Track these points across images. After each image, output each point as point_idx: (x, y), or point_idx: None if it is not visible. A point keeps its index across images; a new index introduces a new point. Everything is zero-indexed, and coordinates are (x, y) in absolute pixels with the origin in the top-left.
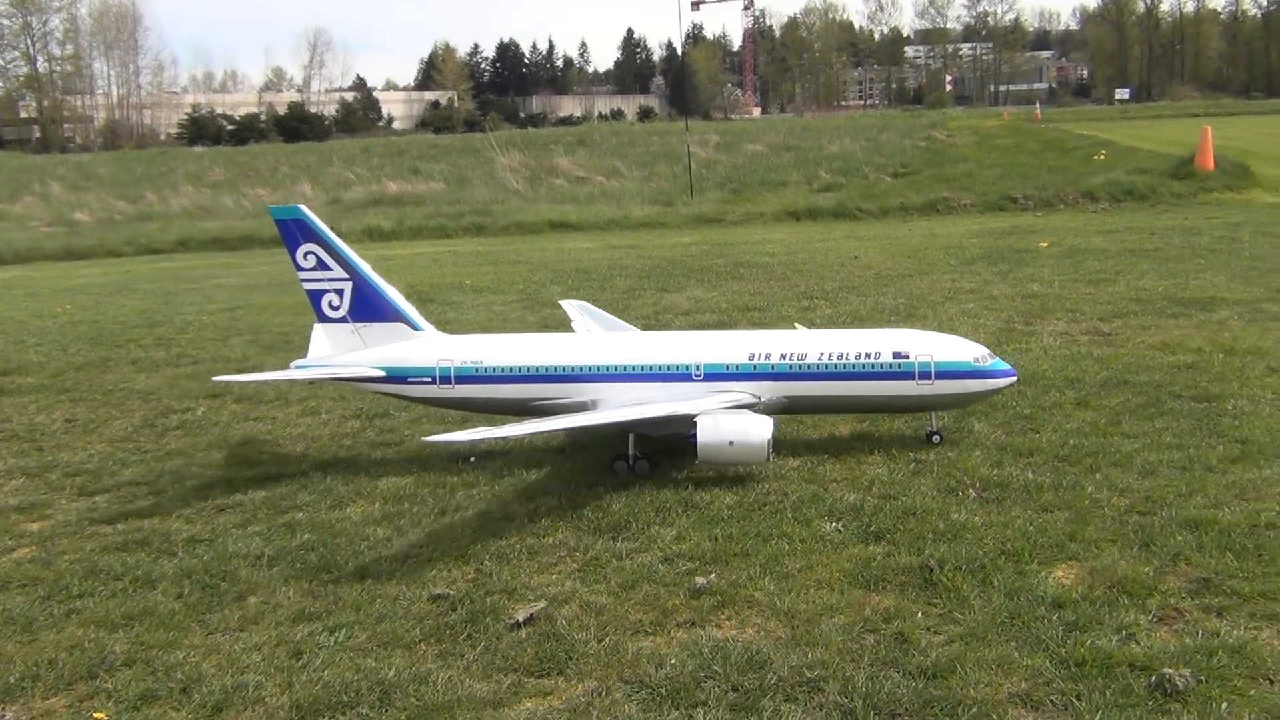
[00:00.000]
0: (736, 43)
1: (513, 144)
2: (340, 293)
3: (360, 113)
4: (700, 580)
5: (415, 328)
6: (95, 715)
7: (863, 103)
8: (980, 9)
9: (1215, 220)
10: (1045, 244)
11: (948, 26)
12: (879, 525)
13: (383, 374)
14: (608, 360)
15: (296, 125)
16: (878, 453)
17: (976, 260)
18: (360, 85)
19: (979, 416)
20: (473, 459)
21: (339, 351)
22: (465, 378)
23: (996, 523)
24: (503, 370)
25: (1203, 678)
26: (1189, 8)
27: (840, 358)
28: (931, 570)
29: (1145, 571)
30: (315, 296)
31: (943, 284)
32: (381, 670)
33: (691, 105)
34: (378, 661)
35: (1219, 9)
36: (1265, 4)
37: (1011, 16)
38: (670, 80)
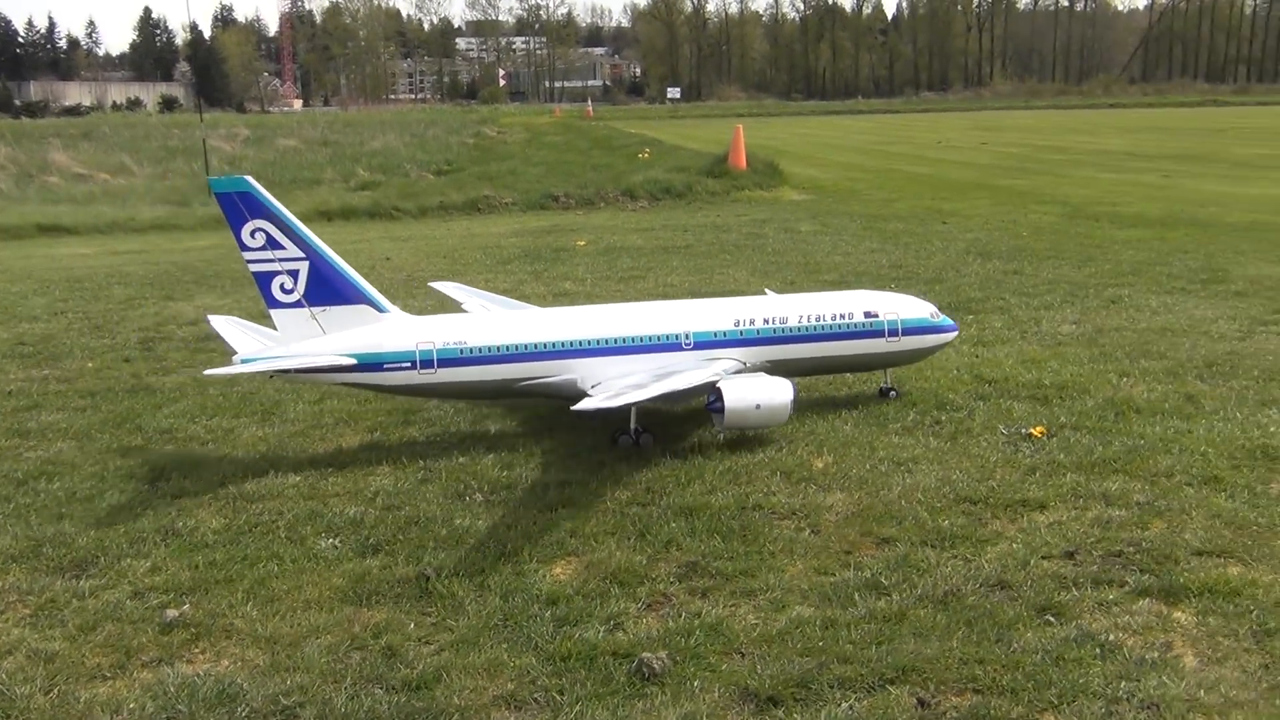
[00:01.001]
0: (273, 27)
1: None
2: (294, 274)
3: None
4: (171, 613)
5: (380, 310)
6: None
7: (414, 96)
8: (532, 2)
9: (745, 217)
10: (583, 242)
11: (500, 19)
12: (379, 537)
13: (354, 362)
14: (597, 334)
15: None
16: (385, 462)
17: (514, 260)
18: None
19: (495, 419)
20: None
21: (292, 339)
22: (448, 360)
23: (501, 525)
24: (489, 350)
25: (679, 658)
26: (734, 9)
27: (818, 320)
28: (428, 579)
29: (639, 560)
30: (264, 279)
31: (476, 285)
32: None
33: (223, 95)
34: None
35: (761, 11)
36: (802, 8)
37: (564, 11)
38: (197, 67)
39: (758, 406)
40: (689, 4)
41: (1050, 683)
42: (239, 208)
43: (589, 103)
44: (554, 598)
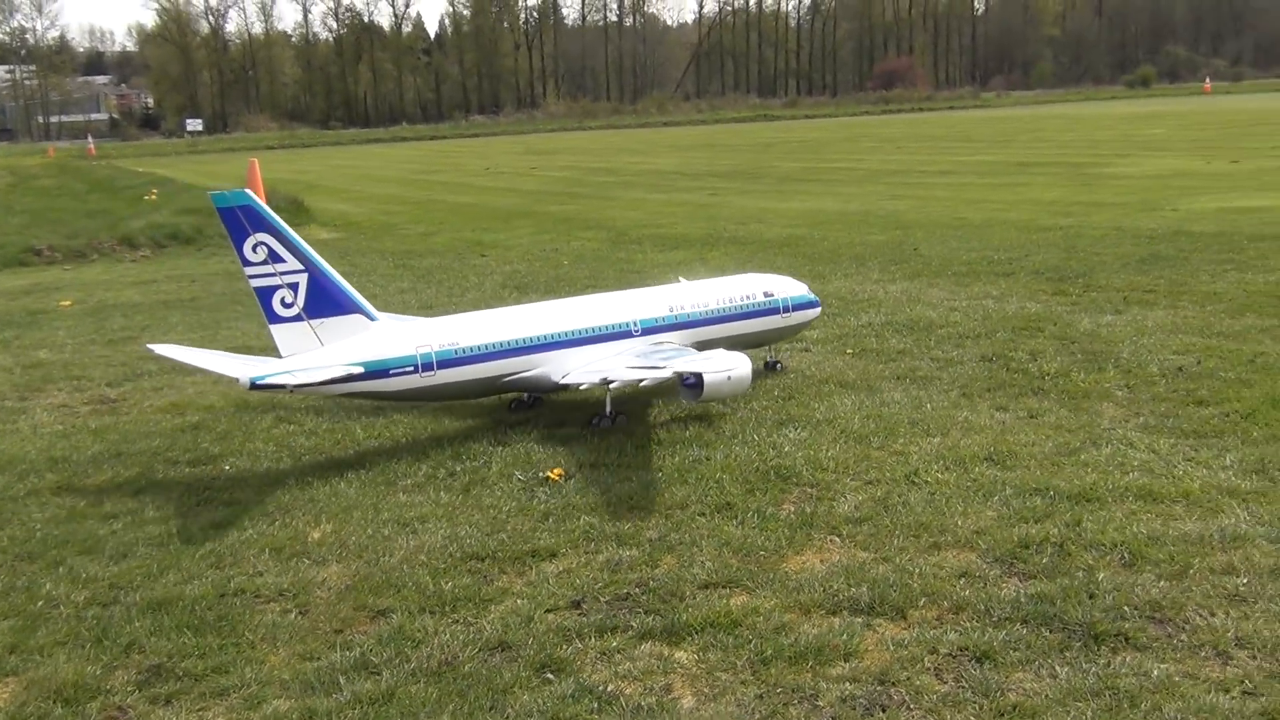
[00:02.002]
0: None
1: None
2: (294, 287)
3: None
4: None
5: (371, 318)
6: None
7: None
8: (15, 24)
9: None
10: (68, 302)
11: None
12: None
13: (362, 370)
14: (567, 327)
15: None
16: None
17: None
18: None
19: None
20: None
21: (292, 354)
22: (446, 362)
23: None
24: (479, 349)
25: None
26: (258, 29)
27: (731, 301)
28: None
29: (92, 671)
30: (265, 294)
31: None
32: None
33: None
34: None
35: (289, 31)
36: (335, 27)
37: (55, 35)
38: None
39: (729, 378)
40: (205, 24)
41: None
42: (241, 222)
43: (90, 139)
44: None
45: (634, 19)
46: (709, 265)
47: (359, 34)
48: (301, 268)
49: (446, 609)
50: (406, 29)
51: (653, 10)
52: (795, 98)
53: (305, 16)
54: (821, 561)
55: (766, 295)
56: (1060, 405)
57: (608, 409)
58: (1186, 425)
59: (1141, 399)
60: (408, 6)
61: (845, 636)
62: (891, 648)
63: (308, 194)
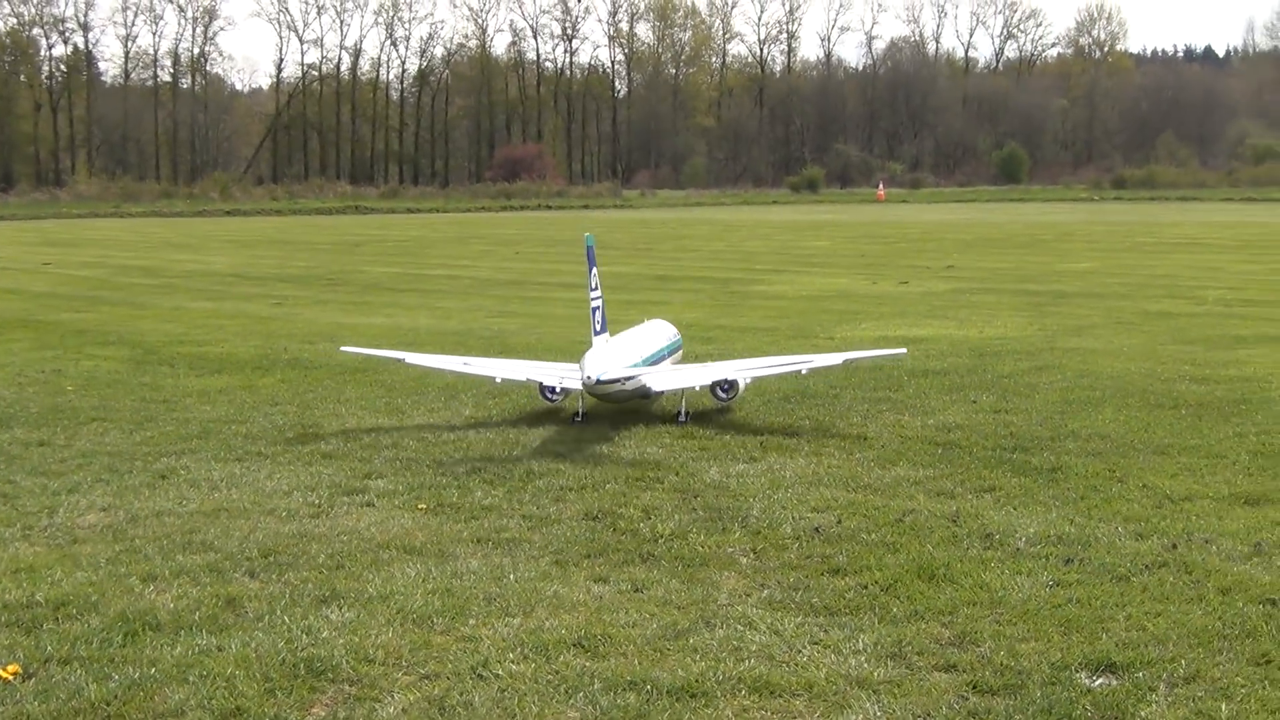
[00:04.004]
0: None
1: None
2: (596, 309)
3: None
4: None
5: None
6: None
7: None
8: None
9: None
10: None
11: None
12: None
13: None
14: (654, 348)
15: None
16: None
17: None
18: None
19: None
20: None
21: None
22: (648, 365)
23: None
24: (647, 360)
25: None
26: None
27: (675, 337)
28: None
29: None
30: (593, 313)
31: None
32: None
33: None
34: None
35: None
36: None
37: None
38: None
39: (745, 384)
40: None
41: None
42: (591, 257)
43: None
44: None
45: (193, 80)
46: (257, 394)
47: None
48: (599, 294)
49: None
50: None
51: (218, 71)
52: (397, 186)
53: None
54: None
55: (675, 335)
56: (672, 575)
57: (683, 408)
58: (818, 599)
59: (769, 567)
60: None
61: None
62: None
63: None
